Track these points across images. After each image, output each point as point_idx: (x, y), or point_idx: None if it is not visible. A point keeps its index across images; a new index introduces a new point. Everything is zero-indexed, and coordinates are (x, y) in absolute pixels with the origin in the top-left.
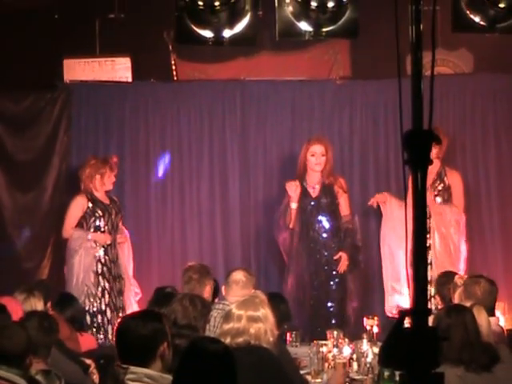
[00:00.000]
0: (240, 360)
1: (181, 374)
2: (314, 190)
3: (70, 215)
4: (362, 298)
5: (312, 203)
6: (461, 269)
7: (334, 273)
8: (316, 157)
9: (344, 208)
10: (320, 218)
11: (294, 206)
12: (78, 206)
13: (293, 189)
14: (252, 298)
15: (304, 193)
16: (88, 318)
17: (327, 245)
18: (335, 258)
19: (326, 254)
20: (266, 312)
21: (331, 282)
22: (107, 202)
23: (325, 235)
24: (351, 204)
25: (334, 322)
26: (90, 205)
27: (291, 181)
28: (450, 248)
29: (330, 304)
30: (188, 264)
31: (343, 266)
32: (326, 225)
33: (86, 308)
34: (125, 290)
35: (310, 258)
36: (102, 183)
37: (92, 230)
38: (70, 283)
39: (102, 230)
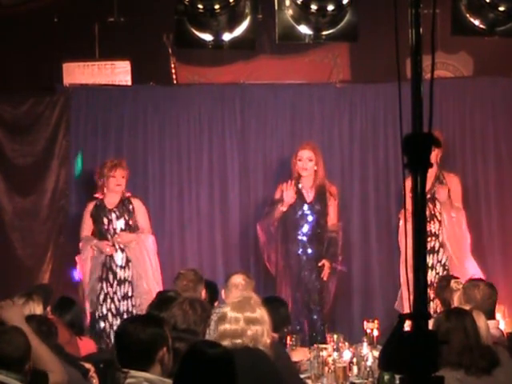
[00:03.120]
0: (238, 362)
1: (180, 377)
2: (309, 195)
3: (83, 221)
4: (363, 301)
5: (305, 207)
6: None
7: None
8: (303, 162)
9: (332, 216)
10: (310, 220)
11: (284, 209)
12: (86, 212)
13: (289, 196)
14: (247, 299)
15: (299, 196)
16: (92, 323)
17: (313, 251)
18: (319, 264)
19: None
20: (262, 312)
21: (317, 286)
22: (112, 206)
23: (310, 240)
24: (349, 208)
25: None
26: (94, 210)
27: (290, 186)
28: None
29: (318, 308)
30: (180, 271)
31: (326, 273)
32: (313, 230)
33: (90, 312)
34: (134, 294)
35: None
36: (107, 187)
37: (98, 235)
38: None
39: (104, 235)
